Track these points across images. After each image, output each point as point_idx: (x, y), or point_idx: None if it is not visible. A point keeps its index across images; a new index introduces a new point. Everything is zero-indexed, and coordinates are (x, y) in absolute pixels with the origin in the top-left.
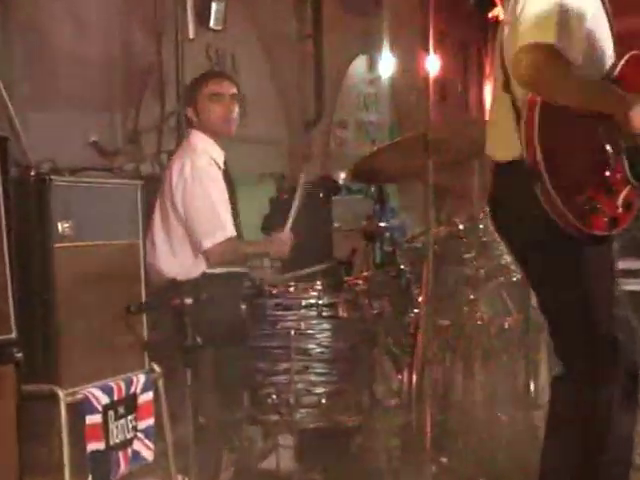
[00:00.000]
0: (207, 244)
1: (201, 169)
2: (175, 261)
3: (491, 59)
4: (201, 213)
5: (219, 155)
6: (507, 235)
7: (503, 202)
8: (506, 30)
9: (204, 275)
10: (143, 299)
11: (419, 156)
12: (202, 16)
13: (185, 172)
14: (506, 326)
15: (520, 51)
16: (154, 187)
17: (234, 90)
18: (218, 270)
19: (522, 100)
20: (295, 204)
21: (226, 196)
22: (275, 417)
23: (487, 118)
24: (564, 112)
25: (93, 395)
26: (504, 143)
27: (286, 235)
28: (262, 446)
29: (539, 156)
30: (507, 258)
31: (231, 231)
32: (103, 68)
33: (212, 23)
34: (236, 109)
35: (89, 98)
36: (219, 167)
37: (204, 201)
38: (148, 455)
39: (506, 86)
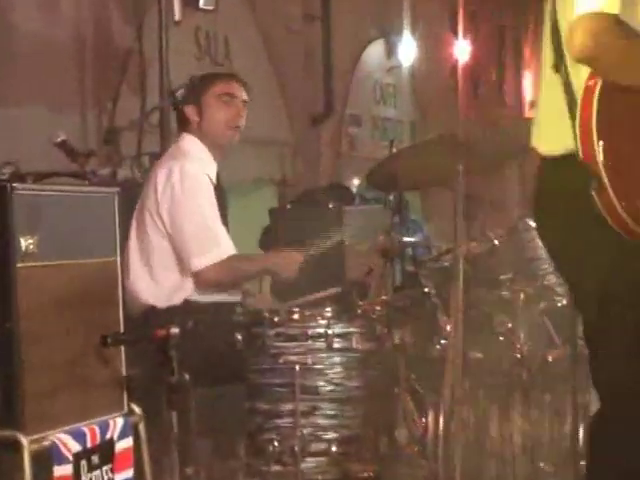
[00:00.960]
0: (199, 264)
1: (193, 176)
2: (154, 285)
3: (532, 41)
4: (192, 226)
5: (212, 168)
6: (554, 248)
7: (550, 207)
8: None
9: (187, 303)
10: (121, 328)
11: (447, 159)
12: None
13: (173, 178)
14: (550, 360)
15: (577, 20)
16: (134, 195)
17: (245, 96)
18: (205, 299)
19: (577, 83)
20: (319, 248)
21: (217, 211)
22: (277, 467)
23: (527, 111)
24: (628, 98)
25: (62, 442)
26: (554, 134)
27: (297, 255)
28: None
29: (598, 151)
30: (552, 278)
31: (227, 249)
32: (73, 55)
33: (202, 3)
34: (244, 116)
35: (56, 90)
36: (211, 182)
37: (196, 212)
38: None
39: (558, 66)
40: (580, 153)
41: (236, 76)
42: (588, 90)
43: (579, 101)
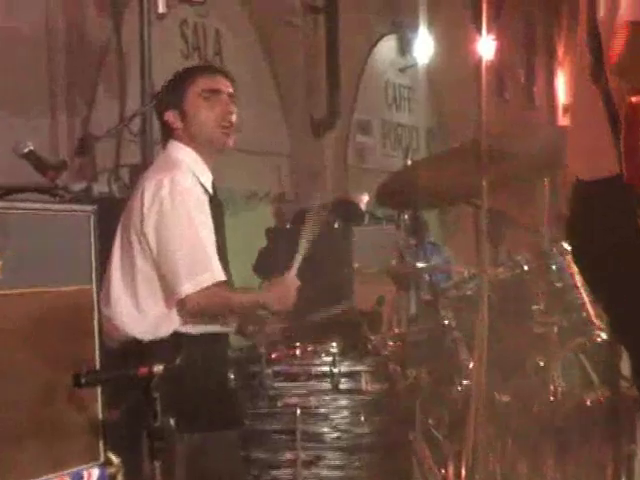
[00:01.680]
0: (187, 289)
1: (185, 189)
2: (139, 315)
3: (566, 36)
4: (181, 248)
5: (207, 177)
6: (593, 275)
7: (589, 233)
8: None
9: (177, 335)
10: (97, 365)
11: (469, 172)
12: None
13: (162, 192)
14: (588, 404)
15: (618, 28)
16: (112, 214)
17: (230, 89)
18: (196, 330)
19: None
20: (304, 238)
21: (212, 231)
22: None
23: (561, 117)
24: None
25: None
26: (592, 154)
27: (290, 280)
28: None
29: None
30: (590, 310)
31: (219, 274)
32: (40, 52)
33: None
34: (235, 112)
35: (21, 92)
36: (207, 192)
37: (187, 231)
38: None
39: (596, 75)
40: (624, 174)
41: (217, 67)
42: (632, 107)
43: (622, 117)
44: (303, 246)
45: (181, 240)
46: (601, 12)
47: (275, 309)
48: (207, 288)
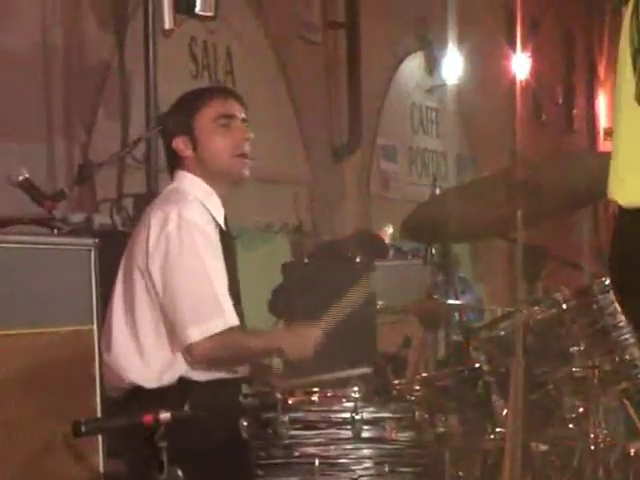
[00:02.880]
0: (194, 335)
1: (193, 226)
2: (141, 360)
3: (608, 54)
4: (188, 290)
5: (219, 210)
6: (637, 314)
7: (634, 265)
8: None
9: (184, 381)
10: (98, 413)
11: (502, 202)
12: None
13: (169, 228)
14: (632, 453)
15: None
16: (114, 248)
17: (244, 114)
18: (204, 376)
19: None
20: (344, 302)
21: (224, 269)
22: None
23: (602, 142)
24: None
25: None
26: (636, 182)
27: (314, 331)
28: None
29: None
30: (634, 352)
31: (232, 319)
32: (37, 71)
33: (198, 7)
34: (249, 139)
35: (17, 116)
36: (218, 227)
37: (194, 272)
38: None
39: None
40: None
41: (230, 90)
42: None
43: None
44: (339, 310)
45: (189, 281)
46: None
47: (292, 355)
48: (217, 334)
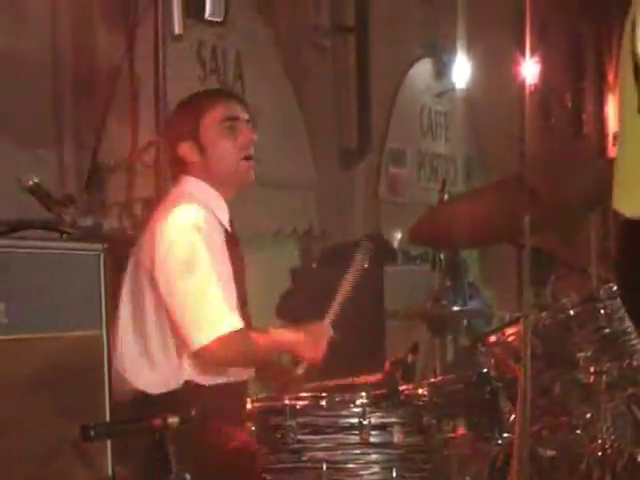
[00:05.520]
0: (201, 340)
1: (199, 230)
2: (149, 367)
3: (617, 59)
4: (194, 294)
5: (224, 213)
6: None
7: (637, 273)
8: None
9: (191, 385)
10: (107, 417)
11: (511, 208)
12: (193, 3)
13: (174, 233)
14: (639, 459)
15: None
16: (124, 252)
17: (247, 115)
18: (211, 380)
19: None
20: (347, 283)
21: (230, 272)
22: None
23: (612, 148)
24: None
25: None
26: (637, 190)
27: (324, 328)
28: None
29: None
30: None
31: (237, 322)
32: (46, 77)
33: (208, 12)
34: (254, 141)
35: (26, 121)
36: (224, 229)
37: (200, 277)
38: None
39: None
40: None
41: (231, 91)
42: None
43: None
44: (343, 292)
45: (194, 286)
46: None
47: (304, 357)
48: (224, 336)
